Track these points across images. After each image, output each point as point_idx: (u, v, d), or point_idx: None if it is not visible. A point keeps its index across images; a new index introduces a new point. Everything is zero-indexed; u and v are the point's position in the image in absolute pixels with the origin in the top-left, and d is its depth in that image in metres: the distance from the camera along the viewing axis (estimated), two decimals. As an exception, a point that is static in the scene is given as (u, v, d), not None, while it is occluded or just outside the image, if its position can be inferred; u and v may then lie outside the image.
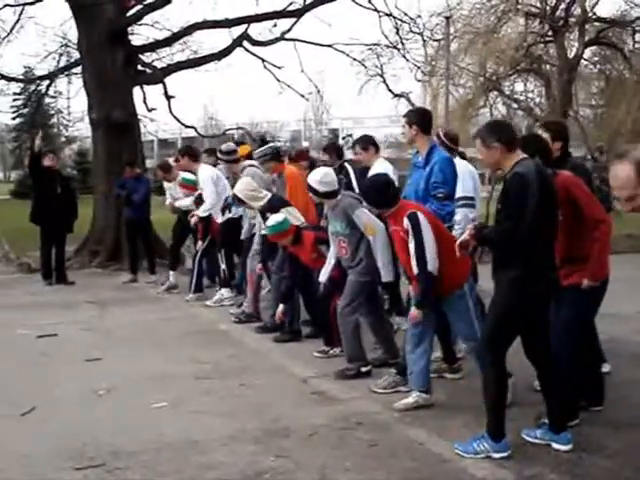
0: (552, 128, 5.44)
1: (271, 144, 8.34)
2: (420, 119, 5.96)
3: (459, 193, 6.33)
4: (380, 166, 7.30)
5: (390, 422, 5.08)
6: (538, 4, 25.67)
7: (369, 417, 5.16)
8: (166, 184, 11.08)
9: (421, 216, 5.14)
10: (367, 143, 7.62)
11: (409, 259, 5.16)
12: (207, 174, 9.64)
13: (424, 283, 5.10)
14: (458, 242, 4.56)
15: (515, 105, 28.55)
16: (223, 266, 9.66)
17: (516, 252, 4.28)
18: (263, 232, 8.01)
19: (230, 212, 9.31)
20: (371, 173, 7.09)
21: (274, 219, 7.05)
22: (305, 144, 46.50)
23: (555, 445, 4.48)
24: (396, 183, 6.86)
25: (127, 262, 12.56)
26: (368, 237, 6.05)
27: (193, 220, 9.79)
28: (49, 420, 5.19)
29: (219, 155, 9.56)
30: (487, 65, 25.37)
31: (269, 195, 7.75)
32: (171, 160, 11.16)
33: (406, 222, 5.12)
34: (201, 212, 9.67)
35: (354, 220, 6.09)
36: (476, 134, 4.60)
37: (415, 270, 5.10)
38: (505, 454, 4.37)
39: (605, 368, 5.79)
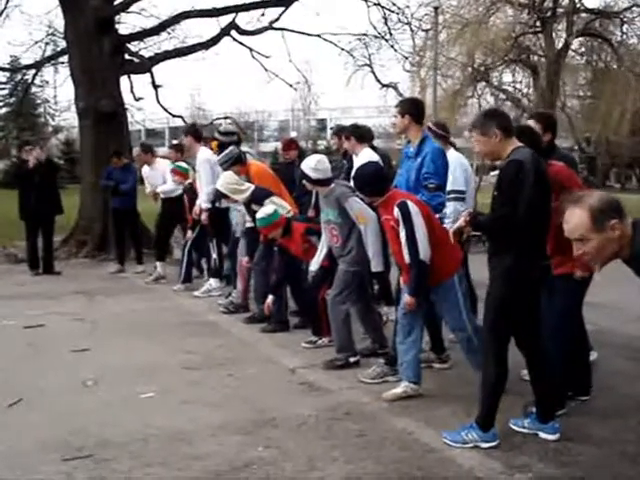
0: (544, 119, 5.47)
1: (231, 148, 8.30)
2: (413, 109, 5.91)
3: (450, 186, 6.31)
4: (364, 156, 7.27)
5: (378, 412, 5.08)
6: (527, -6, 25.67)
7: (357, 407, 5.17)
8: (144, 170, 11.06)
9: (411, 205, 5.13)
10: (349, 132, 7.63)
11: (400, 248, 5.16)
12: (206, 157, 9.49)
13: (417, 271, 5.10)
14: (453, 229, 4.55)
15: (503, 96, 28.57)
16: (214, 255, 9.63)
17: (511, 239, 4.27)
18: (249, 224, 8.00)
19: (220, 204, 9.24)
20: (356, 163, 7.08)
21: (264, 211, 7.02)
22: (293, 134, 46.43)
23: (542, 434, 4.50)
24: None
25: (114, 252, 12.53)
26: (359, 226, 6.05)
27: (203, 217, 9.52)
28: (36, 411, 5.16)
29: (217, 136, 9.48)
30: (475, 55, 25.34)
31: (252, 187, 7.71)
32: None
33: (396, 211, 5.12)
34: (204, 204, 9.46)
35: (346, 209, 6.08)
36: (473, 124, 4.57)
37: (407, 259, 5.10)
38: (493, 444, 4.39)
39: (592, 356, 5.82)
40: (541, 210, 4.32)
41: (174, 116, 19.48)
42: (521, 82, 28.68)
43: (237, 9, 15.86)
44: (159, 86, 17.06)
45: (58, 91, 44.41)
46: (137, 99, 17.51)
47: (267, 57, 17.48)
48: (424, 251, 5.06)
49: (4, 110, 50.38)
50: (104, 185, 12.07)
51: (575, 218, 3.18)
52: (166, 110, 18.19)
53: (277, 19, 16.41)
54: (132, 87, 17.08)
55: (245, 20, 16.75)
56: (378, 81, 21.78)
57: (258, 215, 7.06)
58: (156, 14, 17.59)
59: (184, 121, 20.05)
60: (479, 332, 5.10)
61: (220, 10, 15.79)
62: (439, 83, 24.70)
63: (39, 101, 51.41)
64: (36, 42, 18.80)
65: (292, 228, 7.00)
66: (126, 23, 17.88)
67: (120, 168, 11.67)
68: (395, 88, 22.38)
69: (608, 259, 3.27)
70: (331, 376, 5.95)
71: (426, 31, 22.87)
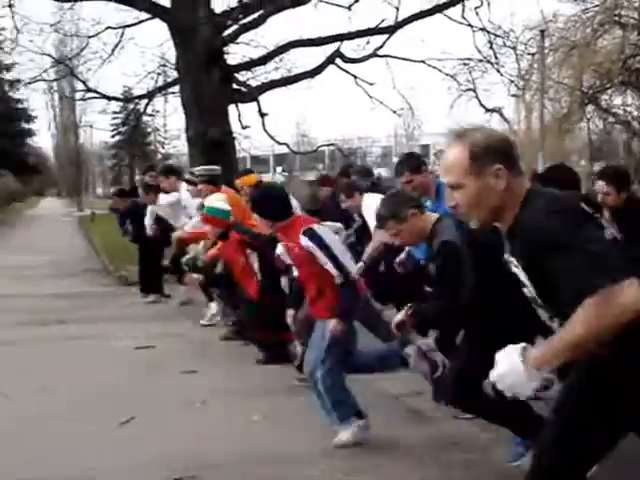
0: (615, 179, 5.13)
1: (211, 166, 8.23)
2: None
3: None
4: None
5: (487, 443, 4.96)
6: (636, 15, 24.96)
7: (466, 437, 5.06)
8: (150, 208, 10.56)
9: (317, 228, 4.92)
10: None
11: (308, 275, 5.00)
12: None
13: (350, 288, 4.81)
14: (393, 324, 4.33)
15: (612, 119, 27.81)
16: None
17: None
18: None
19: None
20: None
21: (221, 203, 6.95)
22: (395, 160, 46.29)
23: None
24: None
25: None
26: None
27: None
28: (147, 429, 5.32)
29: (188, 177, 9.44)
30: (583, 78, 24.81)
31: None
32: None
33: (305, 240, 4.79)
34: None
35: None
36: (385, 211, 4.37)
37: (338, 280, 4.76)
38: None
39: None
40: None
41: (279, 143, 19.78)
42: (631, 105, 27.86)
43: (342, 37, 16.07)
44: (265, 114, 17.37)
45: (167, 120, 45.75)
46: (244, 127, 17.85)
47: (371, 84, 17.59)
48: (350, 267, 4.90)
49: (116, 138, 52.47)
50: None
51: (450, 157, 2.53)
52: (272, 138, 18.49)
53: (381, 46, 16.51)
54: (240, 115, 17.47)
55: (350, 48, 16.81)
56: (482, 106, 21.49)
57: (211, 202, 6.95)
58: (263, 44, 17.94)
59: (289, 148, 20.39)
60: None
61: (325, 39, 16.03)
62: (545, 107, 24.28)
63: (150, 130, 53.35)
64: (148, 73, 19.50)
65: (230, 235, 6.96)
66: (235, 53, 18.29)
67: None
68: (500, 113, 22.08)
69: (489, 217, 2.52)
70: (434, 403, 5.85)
71: (532, 54, 22.55)
